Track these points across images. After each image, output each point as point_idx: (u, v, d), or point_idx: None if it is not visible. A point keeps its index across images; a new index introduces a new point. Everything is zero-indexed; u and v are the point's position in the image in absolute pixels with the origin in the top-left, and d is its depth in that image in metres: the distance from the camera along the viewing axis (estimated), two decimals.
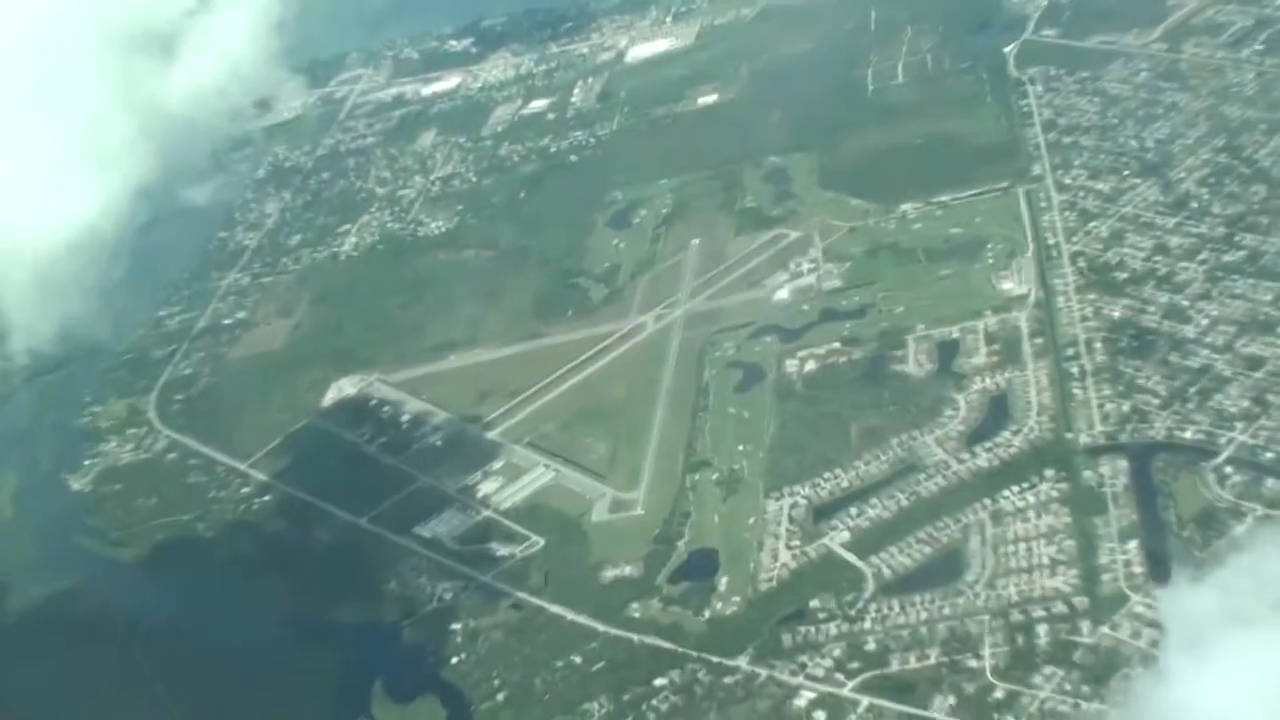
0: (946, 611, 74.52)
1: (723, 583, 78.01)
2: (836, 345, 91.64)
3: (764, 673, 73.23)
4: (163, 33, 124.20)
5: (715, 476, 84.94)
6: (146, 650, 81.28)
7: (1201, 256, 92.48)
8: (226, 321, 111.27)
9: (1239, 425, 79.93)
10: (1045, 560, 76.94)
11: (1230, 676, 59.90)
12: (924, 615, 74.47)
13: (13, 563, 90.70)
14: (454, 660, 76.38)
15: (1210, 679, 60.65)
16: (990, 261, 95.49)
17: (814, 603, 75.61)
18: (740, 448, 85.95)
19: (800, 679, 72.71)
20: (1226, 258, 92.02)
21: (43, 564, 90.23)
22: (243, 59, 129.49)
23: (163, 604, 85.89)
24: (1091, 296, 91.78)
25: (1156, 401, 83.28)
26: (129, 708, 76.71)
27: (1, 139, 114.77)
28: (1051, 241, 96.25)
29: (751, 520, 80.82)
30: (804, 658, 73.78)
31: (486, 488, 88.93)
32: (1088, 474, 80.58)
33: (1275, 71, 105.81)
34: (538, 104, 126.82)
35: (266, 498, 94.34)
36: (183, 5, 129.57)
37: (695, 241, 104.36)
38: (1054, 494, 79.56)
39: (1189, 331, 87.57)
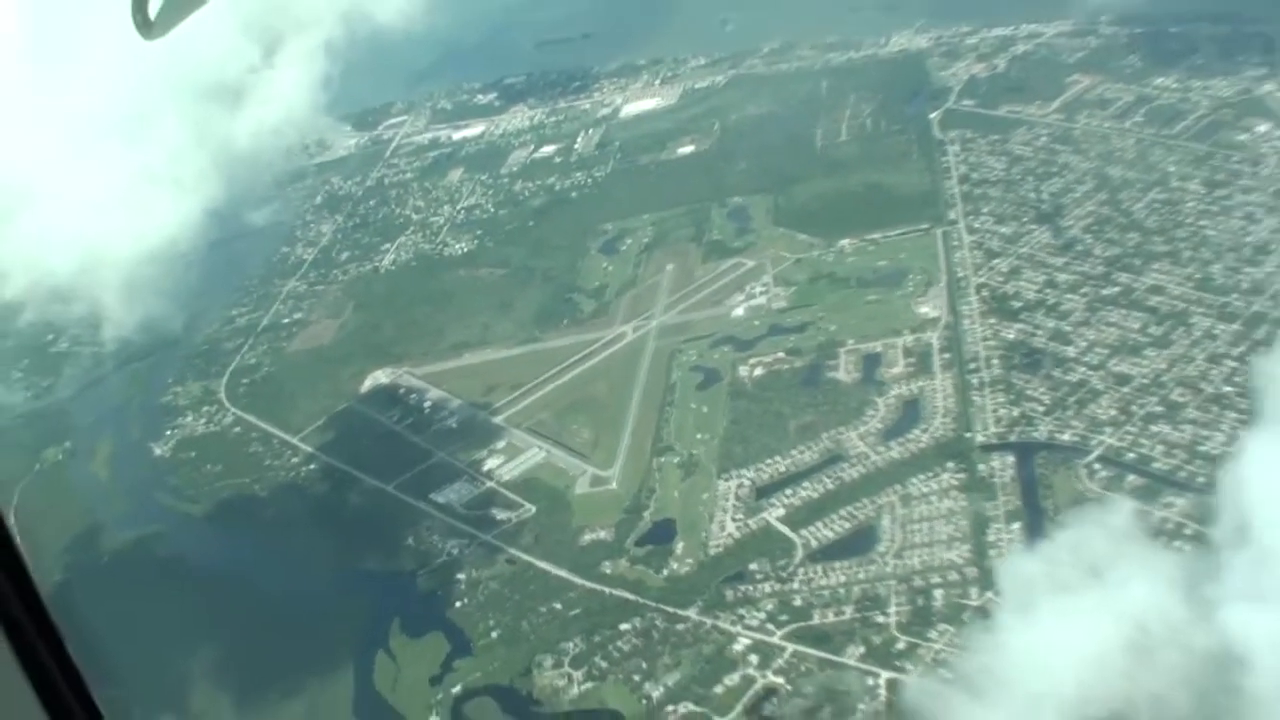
0: (861, 576, 77.14)
1: (679, 547, 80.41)
2: (781, 355, 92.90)
3: (709, 622, 75.90)
4: (232, 85, 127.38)
5: (677, 460, 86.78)
6: (209, 587, 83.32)
7: (1083, 290, 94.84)
8: (285, 321, 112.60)
9: (1107, 430, 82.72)
10: (943, 537, 79.57)
11: (1041, 626, 65.89)
12: (842, 579, 77.00)
13: (107, 514, 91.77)
14: (458, 604, 78.52)
15: (1025, 628, 66.57)
16: (910, 289, 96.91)
17: (753, 566, 78.33)
18: (698, 436, 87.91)
19: (738, 628, 75.42)
20: (1104, 292, 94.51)
21: (130, 515, 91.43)
22: (299, 107, 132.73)
23: (224, 550, 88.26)
24: (991, 321, 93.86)
25: (1041, 409, 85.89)
26: (192, 633, 77.91)
27: (100, 166, 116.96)
28: (961, 274, 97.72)
29: (705, 496, 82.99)
30: (742, 610, 76.52)
31: (491, 463, 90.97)
32: (981, 467, 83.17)
33: (1151, 139, 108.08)
34: (547, 149, 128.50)
35: (311, 466, 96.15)
36: (248, 63, 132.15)
37: (669, 266, 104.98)
38: (953, 482, 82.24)
39: (1070, 352, 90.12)
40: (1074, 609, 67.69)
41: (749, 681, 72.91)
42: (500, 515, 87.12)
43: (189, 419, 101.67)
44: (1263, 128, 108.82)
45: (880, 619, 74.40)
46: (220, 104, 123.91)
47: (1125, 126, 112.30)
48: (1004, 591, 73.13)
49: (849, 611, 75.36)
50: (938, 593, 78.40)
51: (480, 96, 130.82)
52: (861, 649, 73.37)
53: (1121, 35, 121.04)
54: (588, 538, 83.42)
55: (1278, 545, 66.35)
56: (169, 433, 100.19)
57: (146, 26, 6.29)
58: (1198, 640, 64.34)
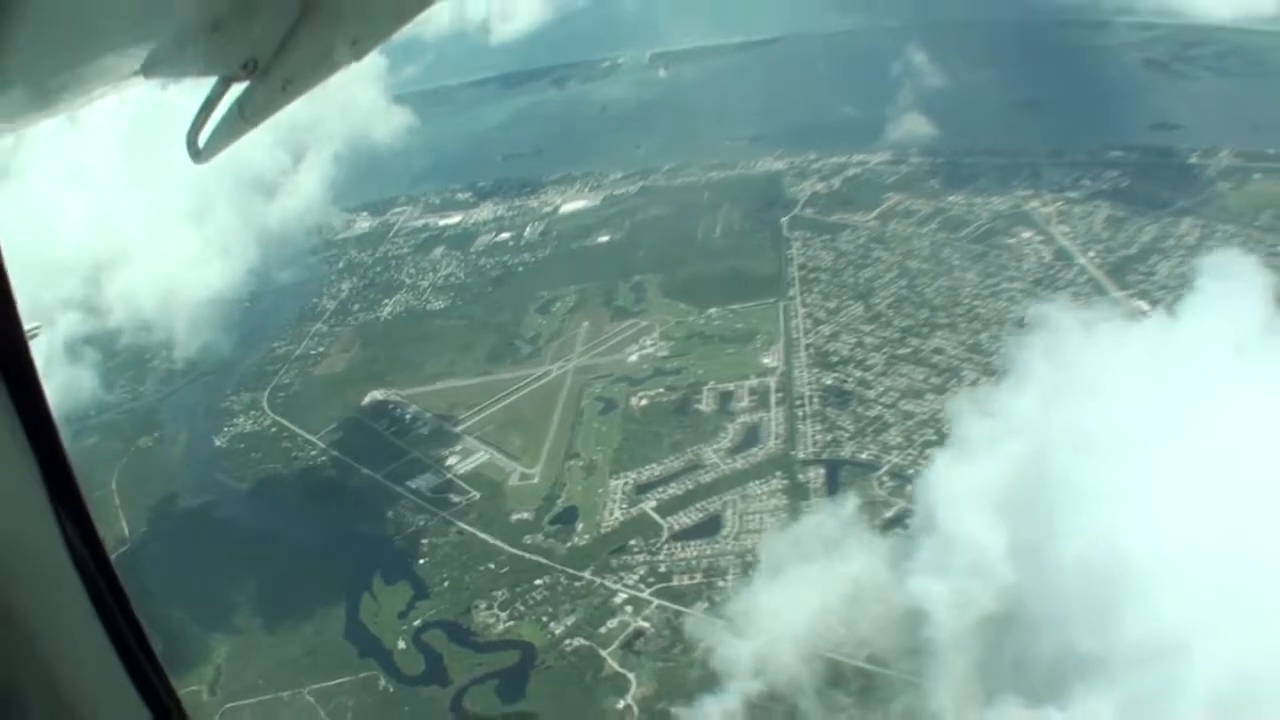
0: (709, 552, 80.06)
1: (579, 527, 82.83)
2: (661, 390, 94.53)
3: (598, 581, 78.74)
4: (269, 182, 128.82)
5: (581, 464, 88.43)
6: (250, 540, 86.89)
7: (884, 350, 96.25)
8: (312, 352, 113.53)
9: (894, 452, 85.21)
10: (769, 526, 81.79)
11: (791, 586, 70.89)
12: (695, 554, 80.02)
13: (181, 485, 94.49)
14: (421, 561, 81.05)
15: (782, 587, 71.21)
16: (758, 346, 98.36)
17: (631, 542, 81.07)
18: (598, 448, 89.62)
19: (619, 586, 78.50)
20: (899, 351, 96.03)
21: (197, 487, 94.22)
22: (321, 198, 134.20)
23: (260, 514, 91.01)
24: (814, 370, 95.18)
25: (846, 435, 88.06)
26: (236, 572, 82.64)
27: (176, 236, 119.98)
28: (794, 336, 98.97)
29: (600, 491, 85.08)
30: (622, 574, 79.32)
31: (450, 460, 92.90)
32: (800, 476, 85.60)
33: (942, 241, 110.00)
34: (504, 235, 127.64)
35: (324, 458, 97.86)
36: (281, 166, 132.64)
37: (585, 324, 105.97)
38: (779, 487, 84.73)
39: (871, 394, 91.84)
40: (817, 574, 71.78)
41: (624, 625, 76.15)
42: (454, 498, 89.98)
43: (240, 420, 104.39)
44: (1026, 234, 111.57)
45: (721, 584, 77.40)
46: (260, 195, 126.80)
47: (923, 231, 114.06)
48: (775, 561, 75.68)
49: (699, 577, 78.61)
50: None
51: (460, 195, 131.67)
52: (706, 604, 76.35)
53: (925, 163, 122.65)
54: (515, 517, 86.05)
55: (954, 531, 71.00)
56: (225, 429, 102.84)
57: (196, 154, 6.65)
58: (895, 599, 69.31)
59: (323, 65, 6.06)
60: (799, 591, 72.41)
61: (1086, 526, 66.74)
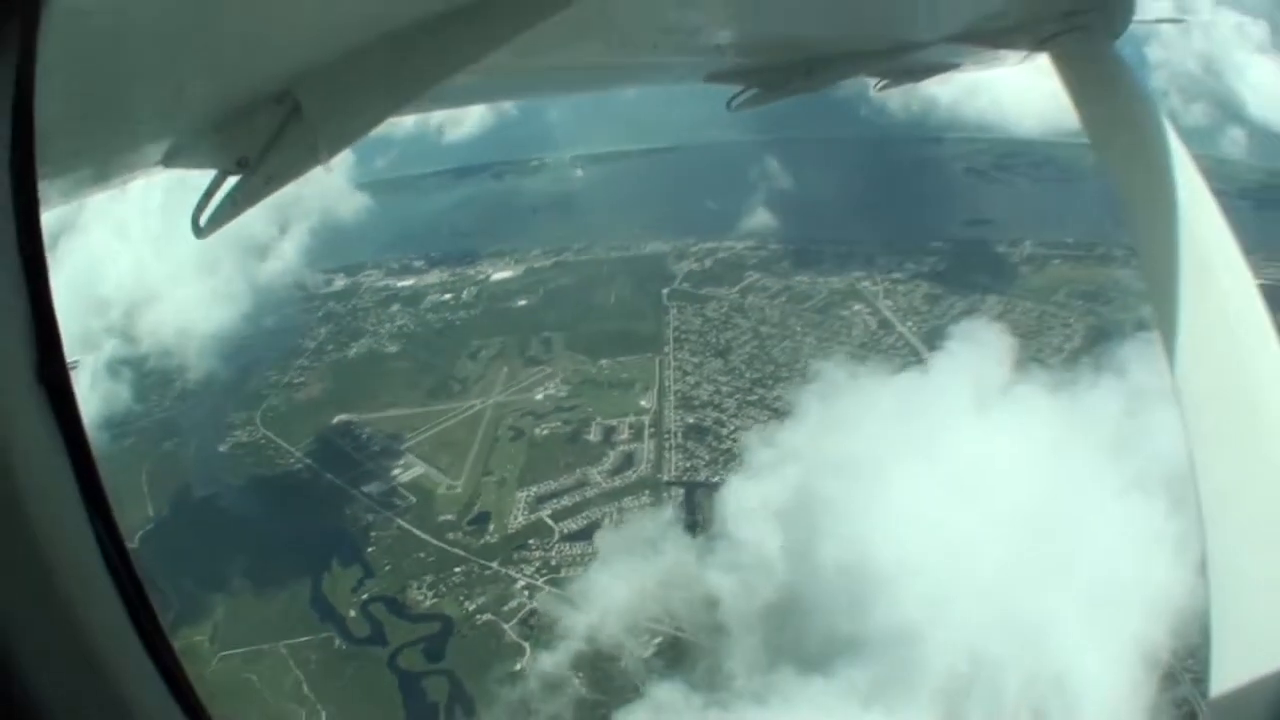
0: (589, 551, 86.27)
1: (490, 528, 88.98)
2: (560, 423, 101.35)
3: (504, 570, 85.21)
4: (261, 245, 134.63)
5: (495, 479, 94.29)
6: (241, 526, 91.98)
7: (735, 396, 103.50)
8: (295, 381, 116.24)
9: (739, 473, 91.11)
10: (634, 531, 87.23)
11: (632, 578, 79.64)
12: (579, 552, 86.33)
13: (193, 481, 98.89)
14: (369, 550, 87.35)
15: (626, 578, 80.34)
16: (637, 390, 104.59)
17: (530, 541, 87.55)
18: (508, 467, 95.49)
19: (519, 575, 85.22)
20: (749, 399, 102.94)
21: (204, 483, 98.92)
22: (303, 262, 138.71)
23: (250, 506, 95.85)
24: (681, 411, 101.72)
25: (702, 463, 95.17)
26: (229, 550, 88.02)
27: (187, 284, 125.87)
28: (666, 384, 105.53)
29: (508, 500, 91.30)
30: (523, 566, 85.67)
31: (394, 471, 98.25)
32: (663, 494, 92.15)
33: (790, 311, 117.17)
34: (447, 296, 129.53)
35: (300, 465, 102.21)
36: (270, 234, 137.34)
37: (505, 369, 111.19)
38: (646, 502, 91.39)
39: (724, 431, 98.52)
40: (655, 567, 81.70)
41: (522, 605, 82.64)
42: (397, 501, 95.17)
43: (238, 432, 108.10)
44: (858, 307, 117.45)
45: (594, 574, 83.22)
46: (255, 257, 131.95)
47: (774, 303, 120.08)
48: (632, 557, 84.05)
49: (579, 570, 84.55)
50: None
51: (414, 262, 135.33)
52: (582, 589, 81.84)
53: (779, 249, 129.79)
54: (441, 518, 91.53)
55: (740, 537, 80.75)
56: (227, 439, 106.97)
57: (198, 231, 6.50)
58: (696, 586, 79.04)
59: (301, 163, 6.42)
60: (641, 578, 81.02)
61: (846, 535, 75.14)
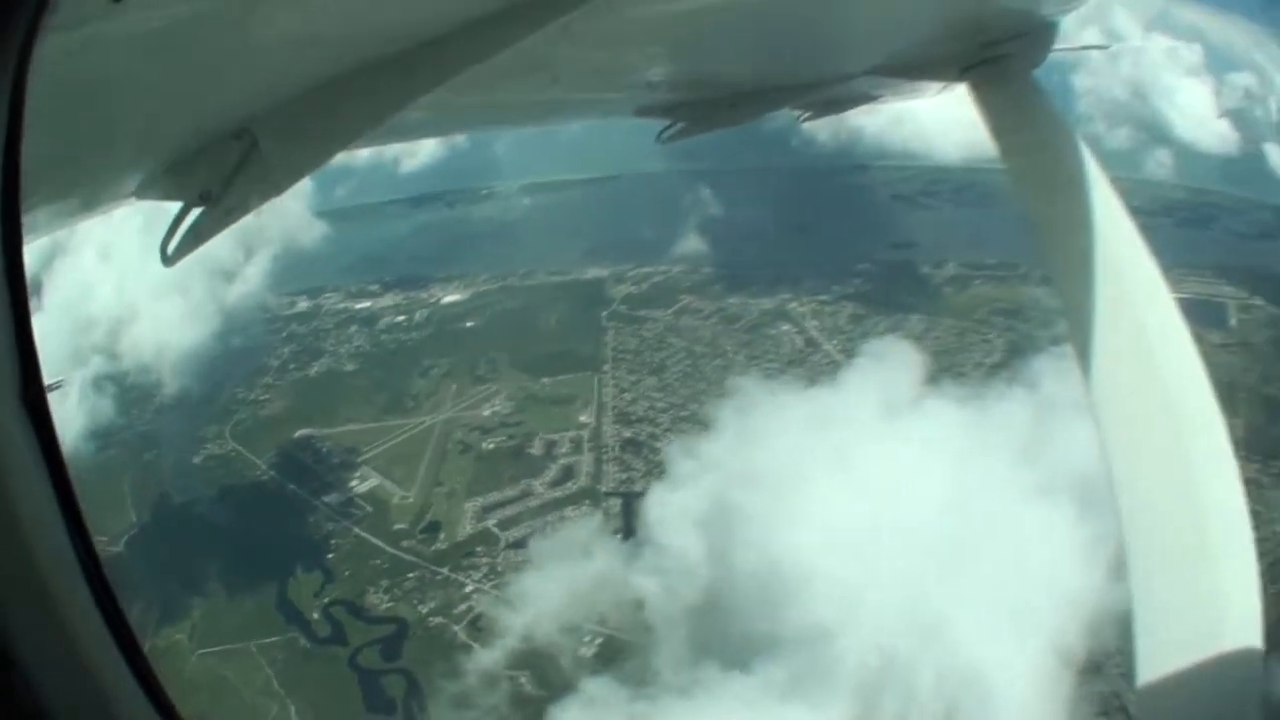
0: (532, 557, 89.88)
1: (441, 536, 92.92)
2: (505, 437, 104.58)
3: (454, 576, 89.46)
4: (228, 269, 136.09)
5: (444, 490, 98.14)
6: (213, 532, 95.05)
7: (669, 413, 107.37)
8: (261, 398, 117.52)
9: (663, 482, 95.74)
10: (573, 538, 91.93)
11: (568, 581, 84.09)
12: (522, 558, 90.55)
13: (170, 489, 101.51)
14: (329, 556, 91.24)
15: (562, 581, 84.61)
16: (578, 406, 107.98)
17: (478, 549, 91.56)
18: (458, 478, 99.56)
19: (468, 580, 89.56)
20: (680, 414, 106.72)
21: (181, 491, 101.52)
22: (267, 285, 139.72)
23: (222, 513, 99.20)
24: (617, 426, 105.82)
25: (638, 475, 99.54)
26: (203, 553, 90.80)
27: (163, 305, 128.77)
28: (604, 400, 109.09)
29: (457, 510, 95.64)
30: (471, 572, 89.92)
31: (352, 482, 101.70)
32: (602, 504, 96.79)
33: (720, 331, 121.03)
34: (400, 318, 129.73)
35: (266, 476, 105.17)
36: (236, 259, 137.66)
37: (454, 386, 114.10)
38: (585, 511, 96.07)
39: (658, 445, 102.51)
40: (588, 570, 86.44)
41: (471, 609, 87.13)
42: (354, 511, 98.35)
43: (210, 445, 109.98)
44: (785, 327, 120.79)
45: (534, 579, 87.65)
46: (223, 280, 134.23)
47: (706, 324, 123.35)
48: (569, 561, 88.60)
49: (523, 574, 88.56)
50: None
51: (370, 286, 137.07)
52: (524, 591, 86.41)
53: (711, 273, 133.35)
54: (396, 527, 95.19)
55: (664, 543, 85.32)
56: (200, 451, 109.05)
57: (165, 259, 6.66)
58: (625, 589, 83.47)
59: (259, 195, 6.65)
60: (577, 582, 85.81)
61: (761, 540, 79.26)
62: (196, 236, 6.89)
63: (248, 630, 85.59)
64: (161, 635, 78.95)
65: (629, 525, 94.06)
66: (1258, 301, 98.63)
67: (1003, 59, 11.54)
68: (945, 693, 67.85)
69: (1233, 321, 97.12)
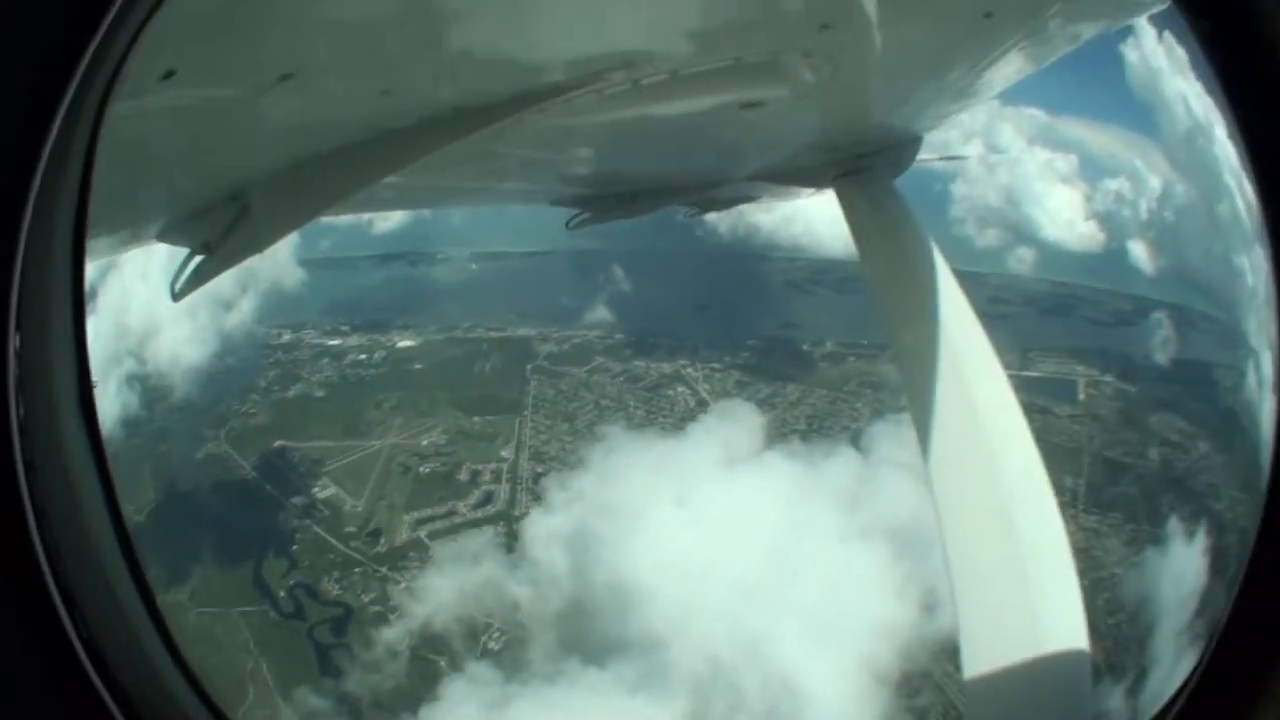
0: (452, 561, 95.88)
1: (382, 540, 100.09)
2: (438, 464, 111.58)
3: (391, 574, 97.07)
4: (228, 300, 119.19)
5: (387, 503, 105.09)
6: (208, 516, 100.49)
7: (574, 455, 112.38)
8: (250, 411, 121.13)
9: (540, 509, 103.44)
10: (484, 551, 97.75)
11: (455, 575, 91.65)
12: (444, 563, 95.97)
13: (177, 479, 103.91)
14: (294, 547, 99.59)
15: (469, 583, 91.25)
16: (500, 442, 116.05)
17: (410, 554, 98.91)
18: (398, 494, 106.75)
19: (401, 578, 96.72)
20: (582, 457, 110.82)
21: (185, 480, 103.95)
22: (258, 318, 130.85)
23: (217, 503, 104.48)
24: (532, 462, 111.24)
25: (537, 503, 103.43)
26: (198, 532, 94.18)
27: (177, 324, 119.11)
28: (523, 439, 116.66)
29: (396, 520, 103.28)
30: (404, 571, 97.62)
31: (314, 490, 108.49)
32: (515, 525, 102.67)
33: (624, 388, 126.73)
34: (362, 356, 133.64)
35: (250, 476, 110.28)
36: (234, 294, 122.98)
37: (399, 419, 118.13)
38: (502, 530, 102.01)
39: (560, 480, 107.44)
40: (478, 575, 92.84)
41: (401, 602, 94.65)
42: (316, 512, 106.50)
43: (209, 445, 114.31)
44: (681, 389, 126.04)
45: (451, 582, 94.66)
46: (223, 309, 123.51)
47: (614, 381, 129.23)
48: (481, 567, 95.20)
49: (440, 578, 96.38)
50: None
51: (342, 327, 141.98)
52: (442, 592, 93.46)
53: (622, 339, 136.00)
54: (347, 529, 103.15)
55: (538, 557, 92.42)
56: (201, 450, 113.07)
57: (174, 295, 7.83)
58: (509, 593, 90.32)
59: (248, 249, 7.77)
60: (477, 585, 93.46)
61: (614, 560, 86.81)
62: (198, 279, 8.25)
63: (232, 598, 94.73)
64: (170, 593, 77.55)
65: (512, 542, 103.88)
66: (1107, 379, 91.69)
67: (868, 168, 12.69)
68: (768, 697, 72.05)
69: (1082, 396, 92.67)
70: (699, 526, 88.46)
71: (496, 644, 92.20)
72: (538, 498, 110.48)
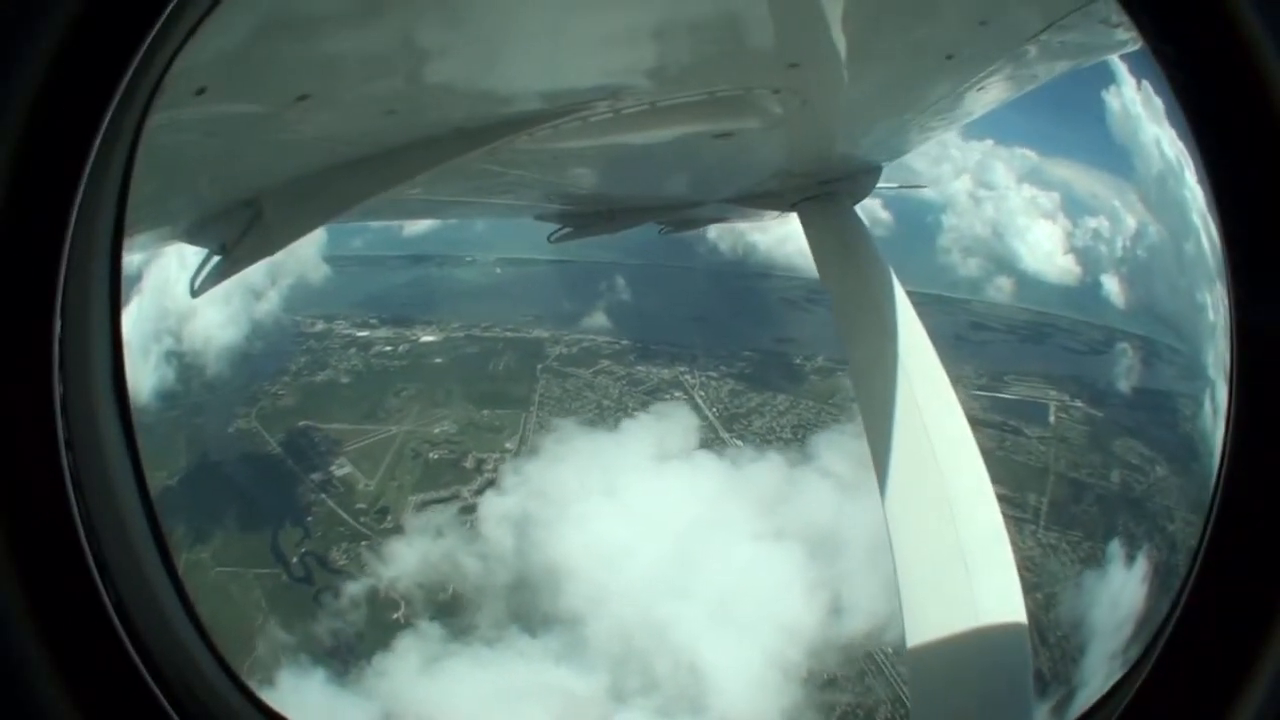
0: (458, 539, 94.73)
1: (389, 517, 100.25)
2: (447, 451, 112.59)
3: (394, 549, 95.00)
4: (258, 291, 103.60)
5: (396, 484, 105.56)
6: (235, 485, 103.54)
7: (576, 449, 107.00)
8: (279, 392, 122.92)
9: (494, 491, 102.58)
10: (477, 530, 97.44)
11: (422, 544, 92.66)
12: (449, 535, 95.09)
13: (210, 449, 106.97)
14: (309, 519, 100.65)
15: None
16: (505, 434, 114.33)
17: (408, 529, 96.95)
18: (407, 476, 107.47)
19: (408, 551, 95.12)
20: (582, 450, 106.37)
21: (217, 451, 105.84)
22: (290, 306, 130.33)
23: (244, 473, 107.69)
24: (529, 454, 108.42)
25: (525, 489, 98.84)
26: (223, 500, 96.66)
27: (210, 311, 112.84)
28: (526, 433, 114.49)
29: (404, 500, 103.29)
30: (412, 544, 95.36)
31: (332, 468, 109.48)
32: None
33: (625, 390, 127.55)
34: (388, 348, 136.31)
35: (276, 450, 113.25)
36: (264, 285, 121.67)
37: (416, 408, 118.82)
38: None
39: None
40: (433, 545, 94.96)
41: (401, 573, 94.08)
42: (331, 488, 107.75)
43: (240, 421, 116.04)
44: (678, 394, 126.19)
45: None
46: (254, 299, 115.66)
47: (616, 384, 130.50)
48: (445, 541, 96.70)
49: (422, 551, 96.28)
50: None
51: (370, 320, 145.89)
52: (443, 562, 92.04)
53: (627, 345, 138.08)
54: (358, 506, 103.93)
55: (489, 535, 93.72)
56: (233, 425, 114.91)
57: (193, 292, 7.83)
58: (468, 566, 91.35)
59: (261, 251, 7.71)
60: (450, 556, 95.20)
61: (548, 541, 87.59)
62: (213, 279, 8.28)
63: (249, 560, 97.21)
64: (194, 551, 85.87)
65: (473, 519, 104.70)
66: (1077, 404, 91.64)
67: (830, 194, 12.85)
68: (678, 679, 71.23)
69: (1052, 419, 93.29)
70: (624, 517, 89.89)
71: (444, 608, 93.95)
72: (495, 482, 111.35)
